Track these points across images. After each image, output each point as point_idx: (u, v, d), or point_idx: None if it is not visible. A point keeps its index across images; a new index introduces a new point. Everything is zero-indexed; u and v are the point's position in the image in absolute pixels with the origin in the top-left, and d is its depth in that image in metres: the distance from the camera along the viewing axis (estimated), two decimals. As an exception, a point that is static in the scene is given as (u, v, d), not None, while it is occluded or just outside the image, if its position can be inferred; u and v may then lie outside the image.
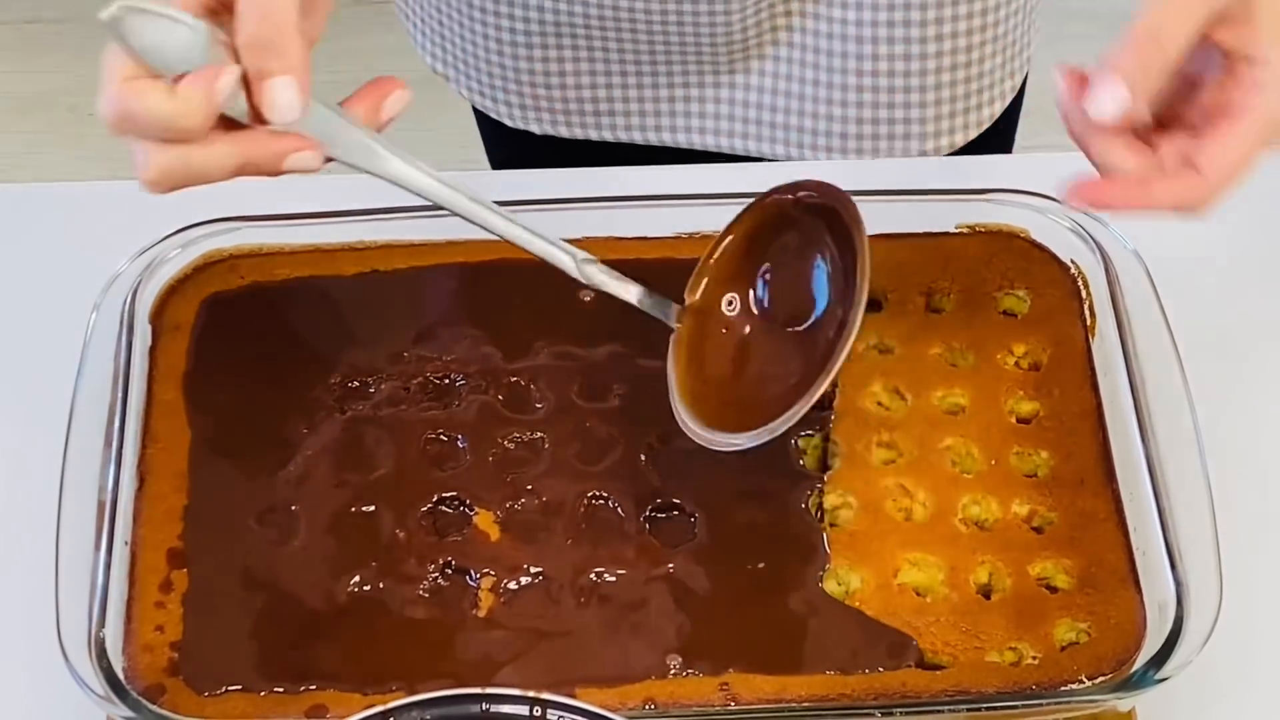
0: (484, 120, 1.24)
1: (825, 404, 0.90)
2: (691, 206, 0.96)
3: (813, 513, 0.86)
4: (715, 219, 0.96)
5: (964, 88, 1.13)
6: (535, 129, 1.19)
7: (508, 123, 1.19)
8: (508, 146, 1.24)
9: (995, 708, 0.79)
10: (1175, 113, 0.80)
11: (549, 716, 0.71)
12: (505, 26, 1.13)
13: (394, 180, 0.81)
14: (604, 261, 0.93)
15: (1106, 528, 0.85)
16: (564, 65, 1.15)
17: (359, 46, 2.63)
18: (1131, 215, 0.80)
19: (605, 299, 0.93)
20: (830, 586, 0.84)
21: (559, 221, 0.96)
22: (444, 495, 0.86)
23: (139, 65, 0.74)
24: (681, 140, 1.17)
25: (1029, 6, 1.14)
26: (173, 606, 0.83)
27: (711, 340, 0.88)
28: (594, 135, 1.18)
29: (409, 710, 0.71)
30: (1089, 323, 0.93)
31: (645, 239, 0.96)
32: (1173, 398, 0.87)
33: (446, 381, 0.91)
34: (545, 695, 0.71)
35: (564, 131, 1.18)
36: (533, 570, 0.84)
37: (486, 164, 1.34)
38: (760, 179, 1.03)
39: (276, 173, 0.78)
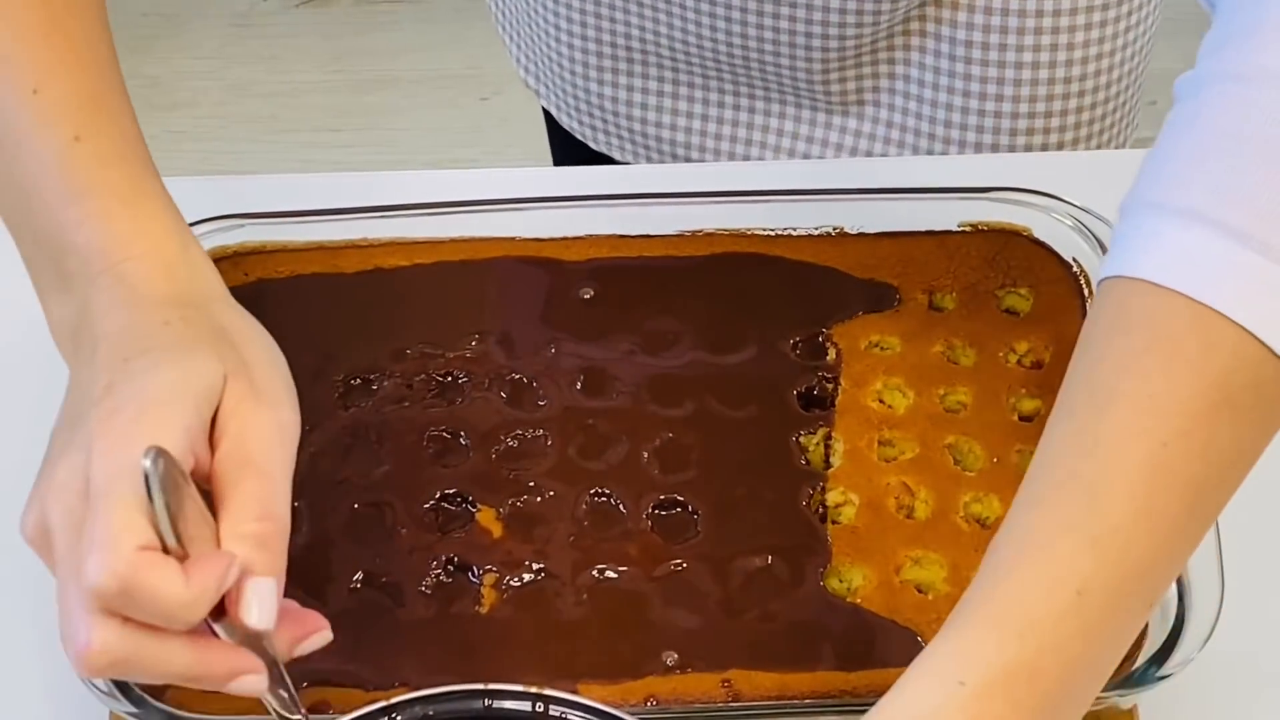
0: (560, 136, 1.25)
1: (828, 402, 0.90)
2: (695, 205, 0.97)
3: (814, 510, 0.86)
4: (719, 217, 0.97)
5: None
6: (617, 155, 1.19)
7: (591, 145, 1.20)
8: (581, 162, 1.24)
9: (997, 705, 0.79)
10: None
11: (551, 712, 0.71)
12: (592, 50, 1.14)
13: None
14: (607, 260, 0.93)
15: (1108, 525, 0.85)
16: (647, 98, 1.15)
17: (360, 46, 2.64)
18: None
19: (607, 297, 0.94)
20: (832, 584, 0.84)
21: (563, 219, 0.96)
22: (446, 492, 0.87)
23: (152, 532, 0.65)
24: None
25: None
26: (176, 602, 0.83)
27: None
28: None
29: (412, 706, 0.71)
30: (1091, 321, 0.93)
31: (649, 237, 0.96)
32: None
33: (449, 379, 0.91)
34: (547, 691, 0.71)
35: (642, 164, 1.19)
36: (535, 567, 0.84)
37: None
38: (762, 178, 1.04)
39: (216, 688, 0.69)
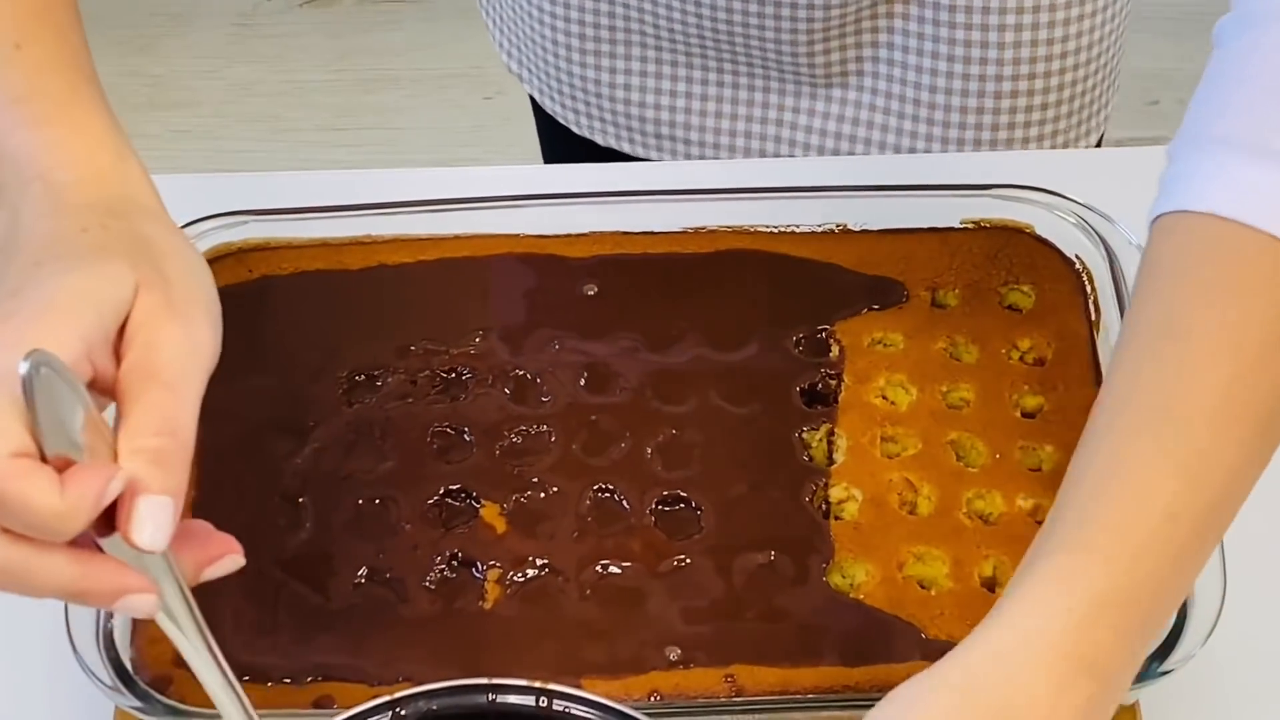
0: (545, 121, 1.24)
1: (831, 398, 0.90)
2: (698, 202, 0.97)
3: (818, 506, 0.86)
4: (722, 214, 0.97)
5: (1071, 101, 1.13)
6: (600, 140, 1.19)
7: (574, 129, 1.20)
8: (565, 147, 1.24)
9: (999, 700, 0.79)
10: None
11: (555, 706, 0.71)
12: (575, 32, 1.14)
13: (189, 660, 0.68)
14: (610, 257, 0.93)
15: (1110, 521, 0.85)
16: (630, 78, 1.15)
17: (363, 45, 2.64)
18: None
19: (610, 293, 0.94)
20: (835, 579, 0.84)
21: (565, 216, 0.96)
22: (450, 488, 0.87)
23: (29, 439, 0.62)
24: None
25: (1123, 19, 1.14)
26: (180, 598, 0.83)
27: None
28: (654, 156, 1.18)
29: (416, 700, 0.72)
30: (1093, 318, 0.93)
31: (652, 234, 0.96)
32: (1177, 392, 0.87)
33: (453, 375, 0.91)
34: (551, 686, 0.72)
35: (626, 147, 1.19)
36: (539, 562, 0.84)
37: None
38: (765, 174, 1.04)
39: (103, 606, 0.67)
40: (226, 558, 0.67)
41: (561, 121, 1.20)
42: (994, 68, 1.10)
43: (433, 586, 0.84)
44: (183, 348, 0.67)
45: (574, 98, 1.18)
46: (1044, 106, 1.12)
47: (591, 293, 0.94)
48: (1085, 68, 1.12)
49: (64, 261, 0.67)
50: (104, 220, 0.69)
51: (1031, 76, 1.11)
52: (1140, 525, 0.66)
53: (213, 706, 0.78)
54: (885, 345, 0.92)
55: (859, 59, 1.11)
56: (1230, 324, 0.67)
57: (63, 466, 0.63)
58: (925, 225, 0.96)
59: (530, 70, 1.19)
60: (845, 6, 1.07)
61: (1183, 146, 0.71)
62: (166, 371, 0.66)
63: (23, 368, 0.61)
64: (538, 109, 1.24)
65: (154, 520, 0.63)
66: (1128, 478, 0.67)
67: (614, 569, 0.84)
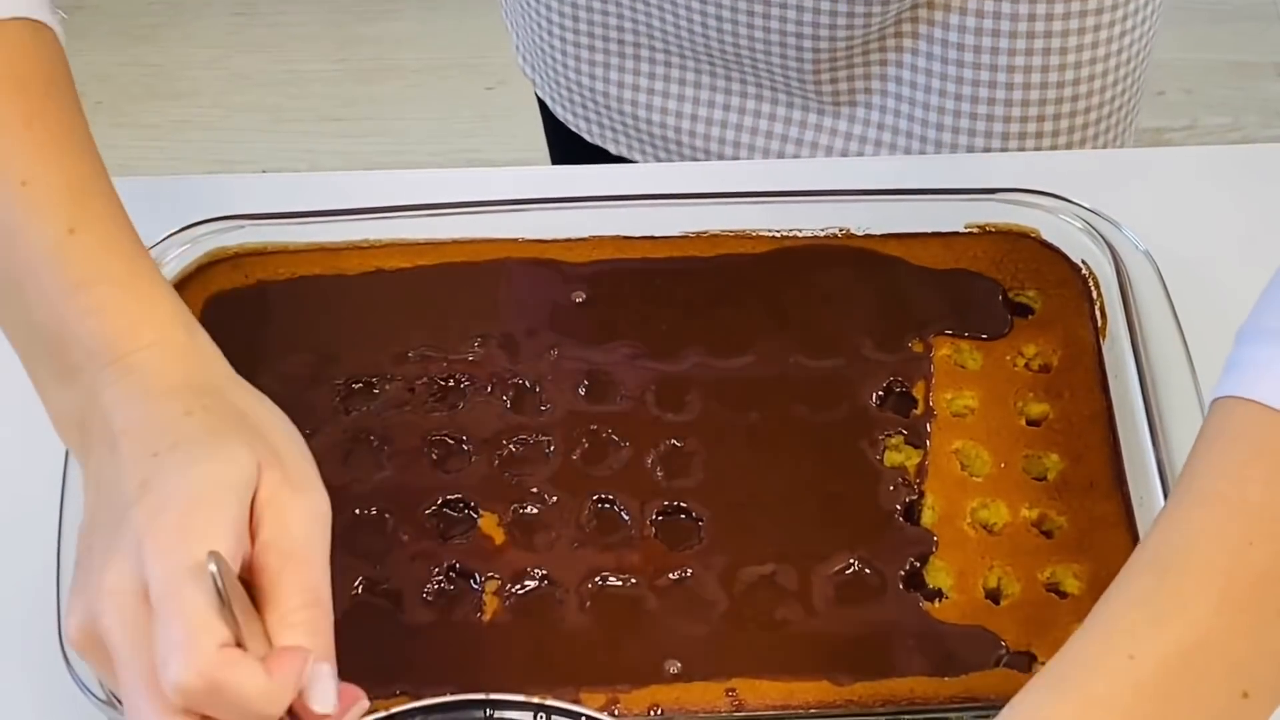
0: (555, 126, 1.24)
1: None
2: (699, 206, 0.96)
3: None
4: (723, 218, 0.96)
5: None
6: (611, 149, 1.19)
7: (586, 137, 1.19)
8: (576, 153, 1.23)
9: (1003, 714, 0.79)
10: None
11: (552, 722, 0.71)
12: (585, 43, 1.14)
13: None
14: (609, 262, 0.92)
15: (1116, 532, 0.85)
16: (639, 89, 1.15)
17: (364, 35, 2.63)
18: None
19: (603, 300, 0.93)
20: (838, 591, 0.83)
21: (565, 220, 0.96)
22: (448, 498, 0.86)
23: (227, 631, 0.65)
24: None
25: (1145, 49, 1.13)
26: (175, 609, 0.82)
27: None
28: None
29: (412, 715, 0.71)
30: (1100, 324, 0.92)
31: (653, 238, 0.96)
32: (1184, 400, 0.86)
33: (451, 383, 0.90)
34: (549, 701, 0.71)
35: (638, 156, 1.18)
36: (537, 574, 0.83)
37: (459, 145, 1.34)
38: (768, 178, 1.03)
39: None
40: (356, 705, 0.70)
41: (573, 129, 1.20)
42: (1002, 108, 1.10)
43: (430, 598, 0.83)
44: (309, 519, 0.70)
45: (585, 106, 1.18)
46: (1052, 149, 1.11)
47: (580, 300, 0.93)
48: (1098, 110, 1.11)
49: (184, 449, 0.69)
50: (202, 400, 0.71)
51: (1040, 118, 1.10)
52: (1104, 663, 0.66)
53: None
54: (889, 352, 0.91)
55: (867, 90, 1.10)
56: (1251, 501, 0.67)
57: None
58: (929, 230, 0.96)
59: (543, 77, 1.20)
60: (852, 37, 1.07)
61: (1244, 333, 0.72)
62: (301, 547, 0.69)
63: (212, 568, 0.64)
64: (548, 116, 1.23)
65: (325, 686, 0.67)
66: (1103, 624, 0.67)
67: (614, 581, 0.83)
